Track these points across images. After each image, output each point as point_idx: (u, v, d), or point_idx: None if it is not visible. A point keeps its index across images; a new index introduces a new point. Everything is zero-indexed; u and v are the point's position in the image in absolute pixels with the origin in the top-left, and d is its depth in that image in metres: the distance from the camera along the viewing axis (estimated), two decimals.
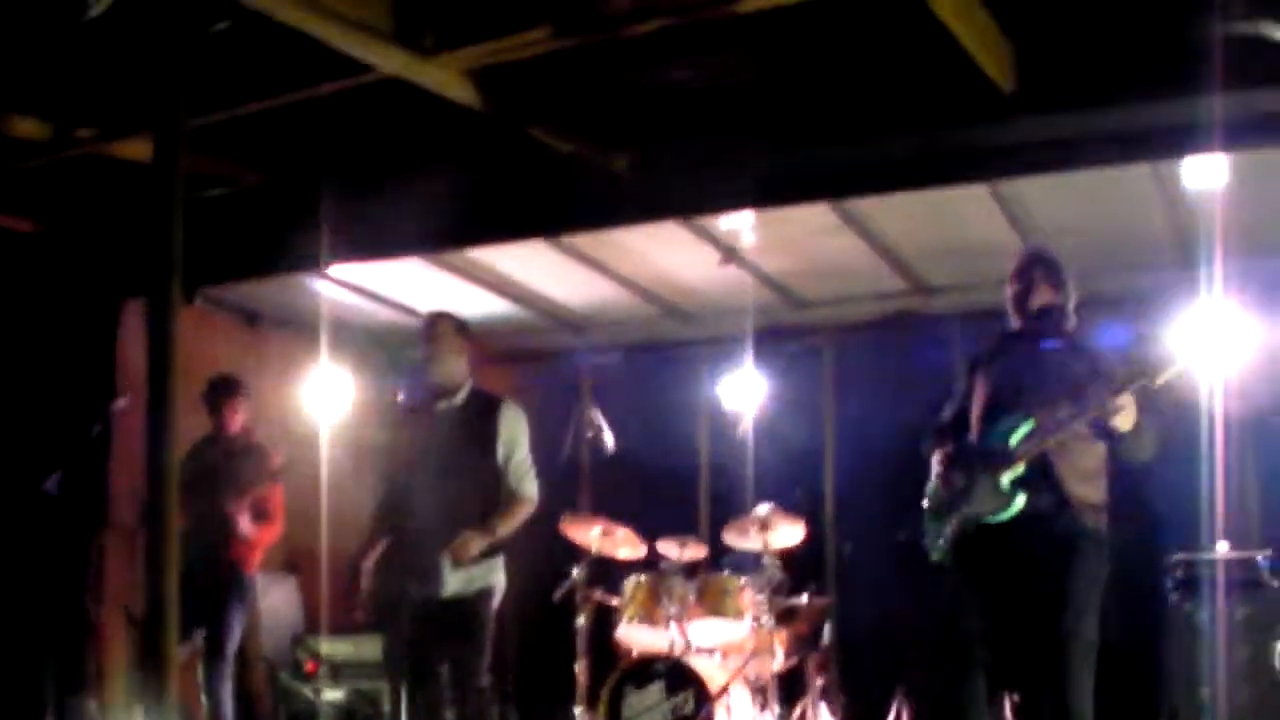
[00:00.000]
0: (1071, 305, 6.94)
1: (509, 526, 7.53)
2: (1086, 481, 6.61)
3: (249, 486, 8.93)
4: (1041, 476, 6.55)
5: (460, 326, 7.77)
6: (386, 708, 9.91)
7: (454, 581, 7.40)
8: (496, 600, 7.62)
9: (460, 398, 7.65)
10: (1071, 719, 6.36)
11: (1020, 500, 6.53)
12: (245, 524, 8.85)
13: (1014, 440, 6.58)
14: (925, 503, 7.00)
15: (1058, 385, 6.56)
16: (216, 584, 8.80)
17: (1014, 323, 6.97)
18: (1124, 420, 6.38)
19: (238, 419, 9.23)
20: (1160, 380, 6.37)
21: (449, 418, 7.61)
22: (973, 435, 6.86)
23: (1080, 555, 6.53)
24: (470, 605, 7.46)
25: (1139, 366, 6.39)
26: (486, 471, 7.54)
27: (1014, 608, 6.58)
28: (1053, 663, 6.41)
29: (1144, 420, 6.46)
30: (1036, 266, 6.91)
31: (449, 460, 7.48)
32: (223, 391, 9.23)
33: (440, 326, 7.69)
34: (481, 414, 7.60)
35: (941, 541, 6.85)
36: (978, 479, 6.65)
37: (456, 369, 7.67)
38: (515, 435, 7.63)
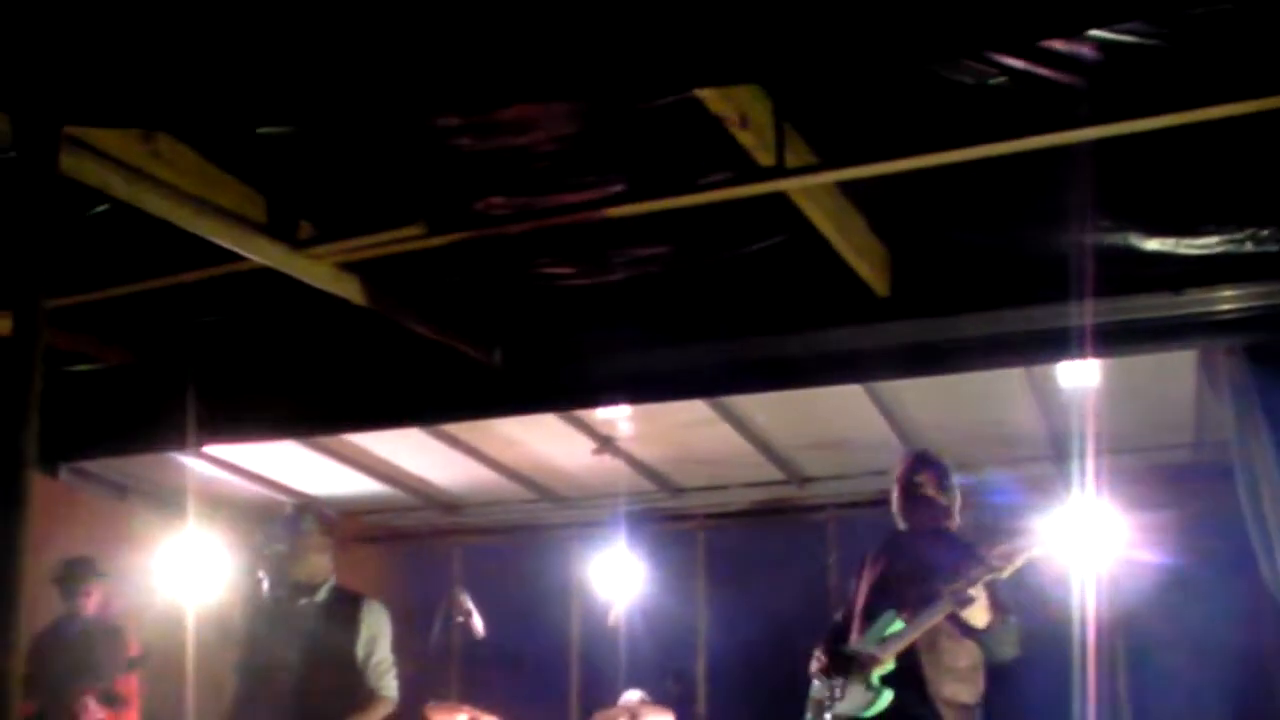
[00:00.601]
0: (956, 506, 6.99)
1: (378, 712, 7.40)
2: (955, 680, 6.64)
3: (102, 674, 8.77)
4: (908, 674, 6.59)
5: (325, 522, 7.70)
6: None
7: None
8: None
9: (322, 594, 7.55)
10: None
11: (887, 696, 6.58)
12: (94, 714, 8.66)
13: (884, 637, 6.62)
14: (810, 697, 7.01)
15: (929, 584, 6.59)
16: None
17: (899, 523, 7.02)
18: (977, 616, 6.43)
19: (92, 601, 9.08)
20: (1008, 571, 6.42)
21: (310, 614, 7.49)
22: (854, 635, 6.89)
23: None
24: None
25: (988, 561, 6.44)
26: (347, 669, 7.42)
27: None
28: None
29: (1002, 619, 6.49)
30: (920, 469, 7.00)
31: (309, 656, 7.35)
32: (76, 574, 9.08)
33: (304, 523, 7.61)
34: (343, 611, 7.50)
35: None
36: (851, 678, 6.69)
37: (319, 566, 7.58)
38: (376, 634, 7.53)
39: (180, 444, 9.46)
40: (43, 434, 5.35)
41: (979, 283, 6.97)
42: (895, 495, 7.07)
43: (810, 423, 9.55)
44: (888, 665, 6.59)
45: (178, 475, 10.57)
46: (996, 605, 6.49)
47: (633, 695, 9.54)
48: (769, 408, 9.22)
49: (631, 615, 10.60)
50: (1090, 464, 7.86)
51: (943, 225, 6.70)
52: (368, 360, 8.24)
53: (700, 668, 11.33)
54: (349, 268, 6.96)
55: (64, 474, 10.36)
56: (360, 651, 7.45)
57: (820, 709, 6.90)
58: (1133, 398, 8.50)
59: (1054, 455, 9.50)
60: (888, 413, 9.11)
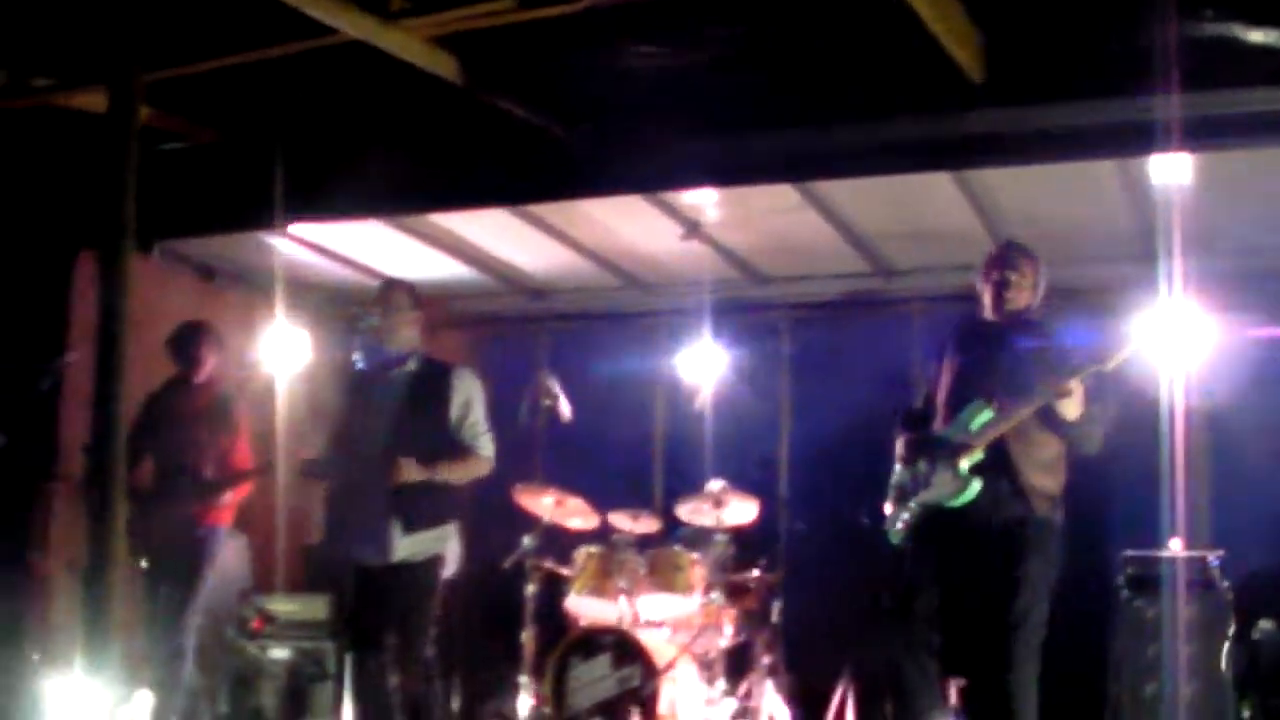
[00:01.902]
0: (1039, 297, 6.96)
1: (455, 473, 7.51)
2: (1043, 471, 6.66)
3: (216, 438, 8.92)
4: (999, 464, 6.62)
5: (414, 295, 7.73)
6: (332, 668, 9.90)
7: (402, 547, 7.36)
8: (449, 569, 7.60)
9: (412, 365, 7.62)
10: (1014, 704, 6.42)
11: (976, 486, 6.59)
12: (227, 497, 8.88)
13: (973, 427, 6.65)
14: (890, 486, 7.03)
15: (1020, 375, 6.60)
16: (186, 541, 8.82)
17: (985, 313, 6.98)
18: (1070, 408, 6.43)
19: (207, 366, 9.14)
20: (1112, 364, 6.43)
21: (401, 384, 7.57)
22: (938, 422, 6.88)
23: (1033, 544, 6.59)
24: (417, 573, 7.43)
25: (1091, 353, 6.44)
26: (438, 437, 7.52)
27: (966, 591, 6.66)
28: (999, 649, 6.47)
29: (1091, 411, 6.51)
30: (1010, 259, 6.97)
31: (400, 425, 7.44)
32: (191, 337, 9.13)
33: (395, 296, 7.65)
34: (434, 379, 7.57)
35: (900, 525, 6.92)
36: (938, 465, 6.72)
37: (409, 338, 7.63)
38: (470, 398, 7.60)
39: (269, 222, 9.51)
40: (137, 212, 5.41)
41: (1075, 71, 6.90)
42: (983, 284, 7.02)
43: (899, 213, 9.49)
44: (977, 454, 6.60)
45: (265, 257, 10.63)
46: (1088, 398, 6.48)
47: (717, 483, 9.61)
48: (858, 196, 9.16)
49: (716, 404, 10.63)
50: (1181, 264, 7.79)
51: (1041, 11, 6.59)
52: (456, 139, 8.23)
53: (783, 456, 11.38)
54: (440, 42, 6.91)
55: (156, 254, 10.47)
56: (454, 414, 7.54)
57: (903, 495, 6.93)
58: (1227, 198, 8.40)
59: (1145, 254, 9.40)
60: (978, 205, 9.04)
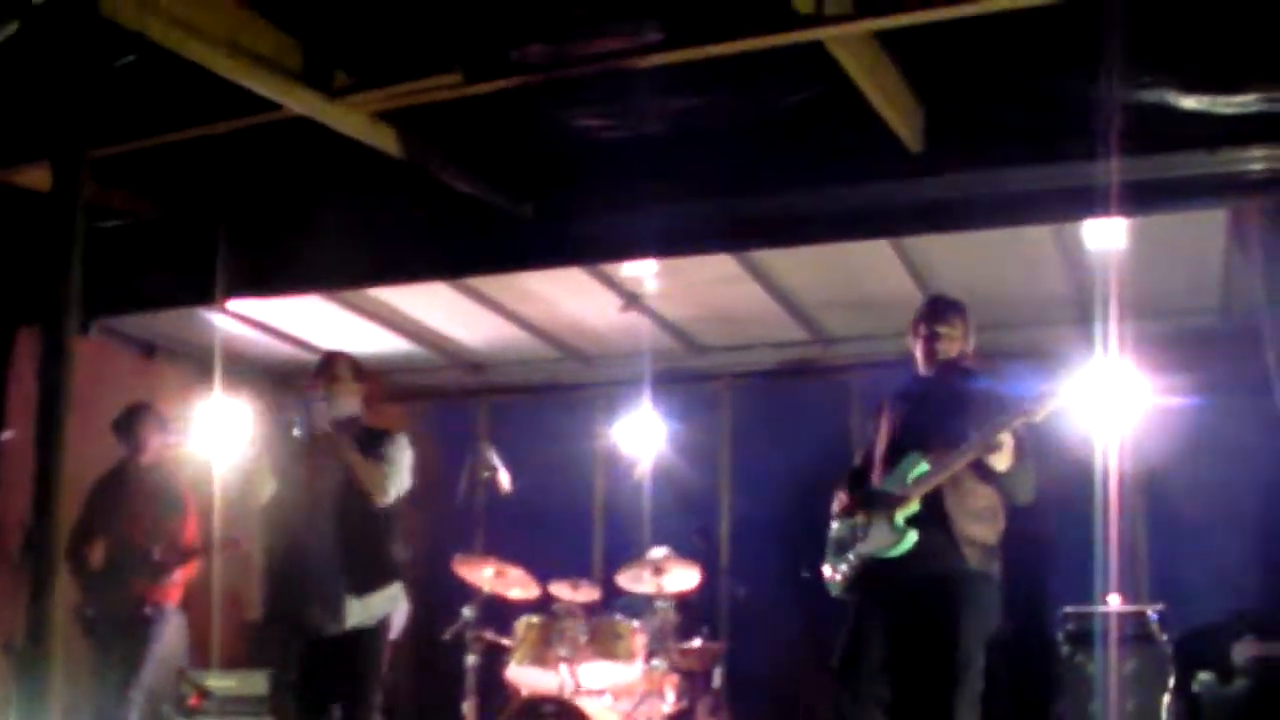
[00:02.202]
0: (971, 346, 7.03)
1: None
2: (977, 521, 6.69)
3: (166, 516, 8.92)
4: (933, 514, 6.64)
5: (355, 367, 7.76)
6: None
7: (354, 612, 7.34)
8: (397, 628, 7.57)
9: (354, 432, 7.62)
10: None
11: (912, 536, 6.63)
12: (175, 575, 8.85)
13: (909, 479, 6.68)
14: (830, 537, 7.10)
15: (953, 426, 6.63)
16: (133, 619, 8.79)
17: (919, 368, 7.05)
18: (1000, 460, 6.48)
19: (151, 447, 9.15)
20: (1041, 415, 6.47)
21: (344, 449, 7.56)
22: (875, 476, 6.93)
23: (967, 597, 6.61)
24: (367, 638, 7.41)
25: (1020, 404, 6.48)
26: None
27: (907, 643, 6.65)
28: (940, 702, 6.47)
29: (1022, 463, 6.54)
30: (938, 312, 7.03)
31: (343, 492, 7.42)
32: (134, 419, 9.15)
33: (337, 367, 7.68)
34: (372, 444, 7.55)
35: (840, 578, 6.96)
36: (874, 518, 6.75)
37: (351, 406, 7.64)
38: (397, 457, 7.57)
39: (209, 298, 9.51)
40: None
41: (1011, 139, 6.99)
42: (914, 339, 7.09)
43: (838, 281, 9.59)
44: (913, 506, 6.64)
45: (205, 334, 10.63)
46: (1019, 450, 6.54)
47: (658, 551, 9.65)
48: (797, 265, 9.26)
49: (656, 473, 10.68)
50: (1116, 327, 7.90)
51: (978, 80, 6.70)
52: (398, 213, 8.26)
53: (724, 524, 11.43)
54: (384, 117, 6.96)
55: (94, 331, 10.44)
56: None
57: (841, 549, 6.97)
58: (1160, 261, 8.53)
59: (1080, 318, 9.53)
60: (915, 273, 9.15)
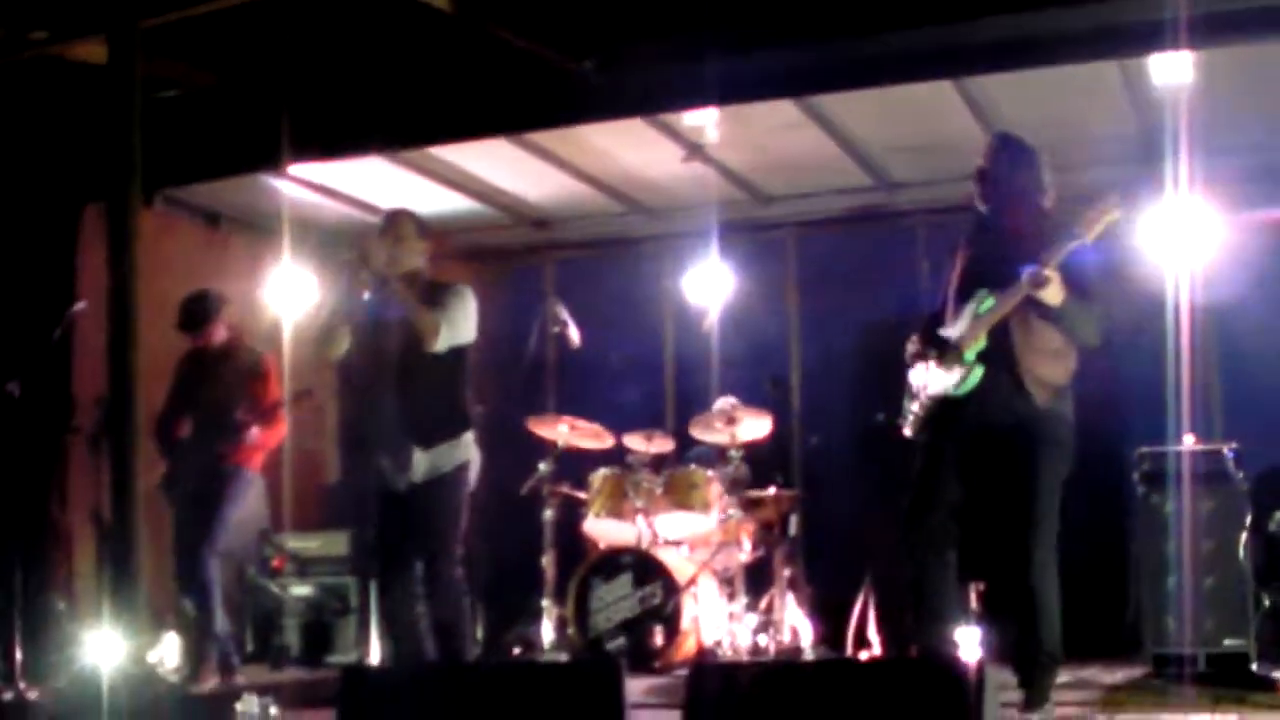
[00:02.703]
0: (1045, 186, 6.88)
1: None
2: (1046, 359, 6.58)
3: (245, 392, 9.01)
4: (1001, 352, 6.55)
5: (420, 224, 7.70)
6: (354, 602, 9.99)
7: (423, 464, 7.36)
8: (473, 475, 7.57)
9: (421, 293, 7.58)
10: (1039, 600, 6.42)
11: (979, 372, 6.52)
12: (254, 431, 8.93)
13: (974, 315, 6.59)
14: (905, 390, 7.02)
15: (1016, 261, 6.52)
16: (211, 478, 8.94)
17: (982, 206, 6.94)
18: (1051, 294, 6.33)
19: (218, 334, 9.20)
20: (1091, 235, 6.29)
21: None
22: (948, 319, 6.88)
23: (1040, 436, 6.55)
24: (440, 489, 7.39)
25: (1067, 231, 6.33)
26: (444, 354, 7.44)
27: (980, 487, 6.63)
28: (1018, 547, 6.46)
29: (1080, 300, 6.41)
30: (1004, 150, 6.89)
31: (407, 345, 7.40)
32: (196, 309, 9.17)
33: (401, 225, 7.62)
34: (434, 296, 7.51)
35: (911, 419, 6.90)
36: (945, 357, 6.67)
37: (414, 264, 7.59)
38: (454, 303, 7.48)
39: (272, 164, 9.55)
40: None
41: None
42: (978, 178, 6.97)
43: (900, 125, 9.50)
44: (980, 342, 6.55)
45: (269, 200, 10.68)
46: (1072, 286, 6.40)
47: (730, 401, 9.66)
48: (859, 110, 9.18)
49: (724, 324, 10.67)
50: (1186, 164, 7.81)
51: None
52: (457, 71, 8.23)
53: (795, 373, 11.44)
54: None
55: (159, 203, 10.49)
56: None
57: (913, 392, 6.92)
58: (1231, 97, 8.40)
59: (1149, 156, 9.41)
60: (979, 113, 9.05)
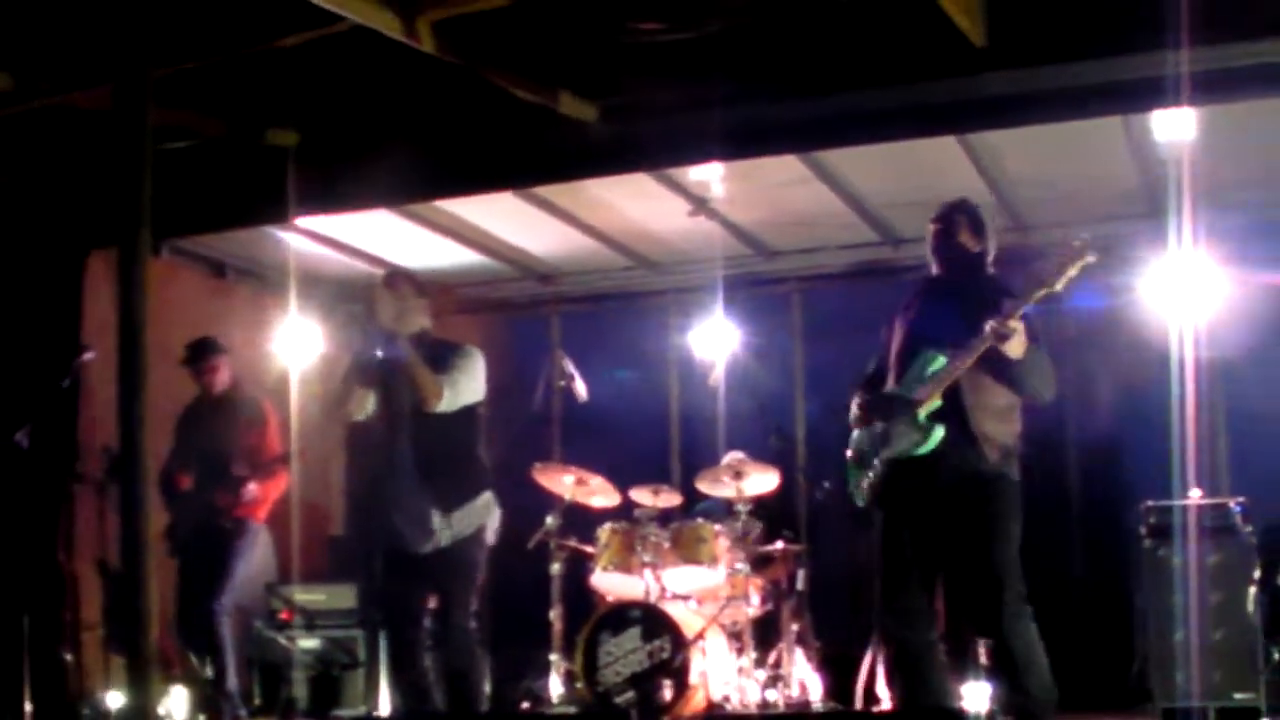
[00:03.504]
0: (991, 254, 6.87)
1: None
2: (996, 419, 6.55)
3: (242, 442, 9.08)
4: (953, 412, 6.49)
5: (415, 283, 7.68)
6: (363, 655, 9.96)
7: (444, 529, 7.30)
8: (491, 533, 7.55)
9: (427, 353, 7.55)
10: (1016, 655, 6.35)
11: (939, 432, 6.46)
12: (252, 488, 8.98)
13: (926, 375, 6.52)
14: (849, 452, 6.97)
15: (970, 319, 6.43)
16: (216, 533, 9.04)
17: (933, 268, 6.93)
18: (1014, 347, 6.22)
19: (220, 377, 9.29)
20: (1060, 283, 6.19)
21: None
22: (890, 381, 6.82)
23: (994, 497, 6.51)
24: (460, 552, 7.37)
25: (1034, 277, 6.23)
26: (457, 414, 7.43)
27: (940, 545, 6.56)
28: (986, 604, 6.43)
29: (1036, 351, 6.34)
30: (957, 212, 6.87)
31: (420, 406, 7.36)
32: (200, 354, 9.28)
33: (400, 285, 7.61)
34: (440, 356, 7.51)
35: (865, 486, 6.81)
36: (896, 418, 6.60)
37: (419, 323, 7.58)
38: (461, 364, 7.48)
39: (279, 217, 9.58)
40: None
41: (1077, 31, 6.91)
42: (930, 238, 6.93)
43: (905, 180, 9.53)
44: (935, 402, 6.48)
45: (275, 250, 10.72)
46: (1030, 336, 6.34)
47: (736, 455, 9.66)
48: (864, 165, 9.21)
49: (729, 378, 10.68)
50: (1189, 219, 7.83)
51: None
52: (464, 125, 8.26)
53: (800, 427, 11.45)
54: (444, 26, 6.94)
55: (165, 252, 10.53)
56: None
57: (863, 458, 6.83)
58: (1233, 152, 8.43)
59: (1151, 212, 9.45)
60: (983, 169, 9.09)
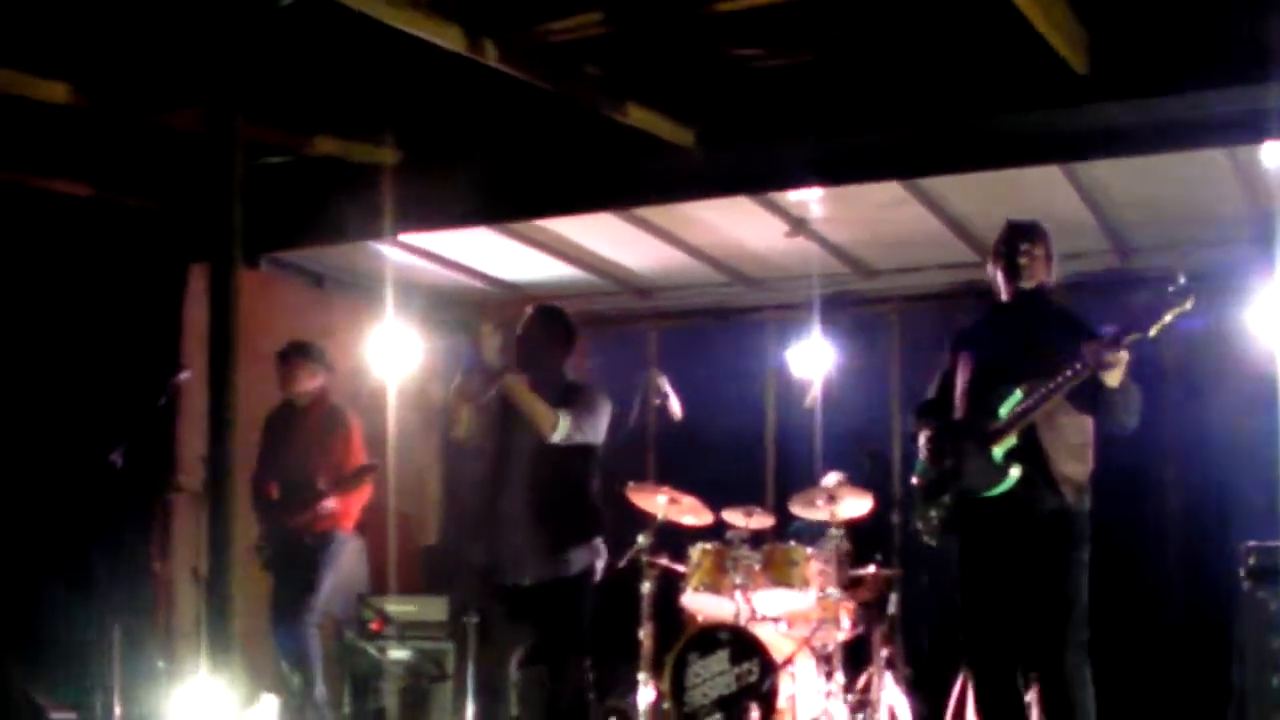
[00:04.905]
0: (1054, 274, 6.77)
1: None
2: (1072, 458, 6.44)
3: (330, 456, 9.21)
4: (1029, 451, 6.38)
5: (550, 329, 7.64)
6: (452, 668, 9.99)
7: (548, 569, 7.32)
8: (598, 573, 7.56)
9: (555, 390, 7.45)
10: (1071, 698, 6.31)
11: (1015, 473, 6.36)
12: (328, 504, 9.08)
13: (1003, 412, 6.40)
14: (915, 482, 6.89)
15: (1045, 356, 6.34)
16: (301, 547, 9.17)
17: (1002, 296, 6.82)
18: (1114, 376, 6.09)
19: (306, 383, 9.32)
20: (1154, 330, 6.04)
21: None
22: (958, 412, 6.73)
23: (1073, 536, 6.45)
24: (570, 593, 7.38)
25: (1133, 319, 6.05)
26: (573, 452, 7.40)
27: (1016, 582, 6.48)
28: (1052, 643, 6.36)
29: (1130, 382, 6.21)
30: (1023, 239, 6.74)
31: (538, 441, 7.31)
32: (286, 355, 9.34)
33: (553, 322, 7.59)
34: (565, 395, 7.42)
35: (935, 522, 6.74)
36: (968, 455, 6.51)
37: (551, 363, 7.55)
38: (585, 400, 7.43)
39: (377, 234, 9.64)
40: (245, 225, 5.49)
41: (1179, 63, 6.82)
42: (996, 267, 6.82)
43: (1006, 203, 9.36)
44: (1011, 440, 6.38)
45: (373, 261, 10.75)
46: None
47: (831, 478, 9.61)
48: (963, 187, 9.11)
49: (827, 398, 10.62)
50: None
51: (1142, 3, 6.55)
52: (564, 146, 8.29)
53: (896, 449, 11.35)
54: (540, 51, 6.96)
55: (264, 265, 10.61)
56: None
57: (932, 491, 6.72)
58: None
59: (1258, 237, 9.30)
60: (1085, 194, 8.98)
